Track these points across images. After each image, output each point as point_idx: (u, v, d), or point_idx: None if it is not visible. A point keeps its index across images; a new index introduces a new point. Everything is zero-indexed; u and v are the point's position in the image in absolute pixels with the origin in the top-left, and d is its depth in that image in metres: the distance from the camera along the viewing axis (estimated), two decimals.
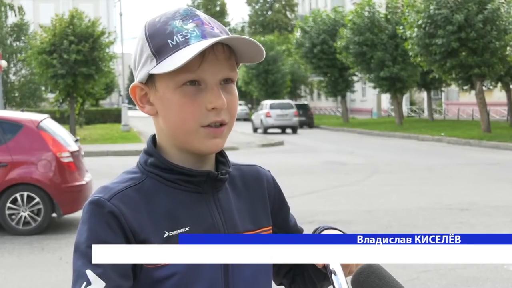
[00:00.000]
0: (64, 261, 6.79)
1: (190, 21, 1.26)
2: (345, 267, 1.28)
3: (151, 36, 1.26)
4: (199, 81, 1.25)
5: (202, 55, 1.21)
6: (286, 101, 37.57)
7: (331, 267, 1.26)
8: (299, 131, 35.00)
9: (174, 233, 1.25)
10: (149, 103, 1.31)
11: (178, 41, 1.23)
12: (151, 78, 1.28)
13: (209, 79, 1.25)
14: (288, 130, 33.91)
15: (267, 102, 34.78)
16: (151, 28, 1.27)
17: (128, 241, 1.22)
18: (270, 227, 1.41)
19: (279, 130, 34.08)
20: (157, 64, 1.24)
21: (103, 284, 1.16)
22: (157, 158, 1.30)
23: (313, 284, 1.46)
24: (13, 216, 8.33)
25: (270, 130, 33.83)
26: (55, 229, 8.61)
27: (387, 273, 1.18)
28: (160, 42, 1.24)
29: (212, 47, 1.22)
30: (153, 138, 1.35)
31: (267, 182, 1.45)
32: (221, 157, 1.37)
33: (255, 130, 35.05)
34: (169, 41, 1.24)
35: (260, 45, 1.26)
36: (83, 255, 1.19)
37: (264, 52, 1.27)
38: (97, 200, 1.23)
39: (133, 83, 1.32)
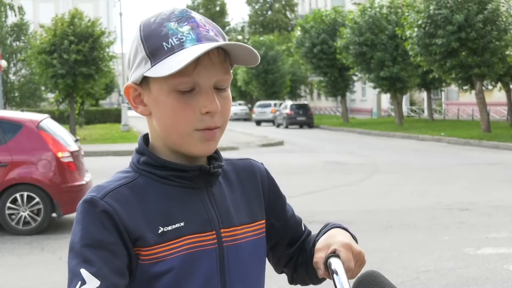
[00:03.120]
0: (64, 261, 6.79)
1: (186, 23, 1.25)
2: (348, 270, 1.28)
3: (146, 37, 1.26)
4: (193, 85, 1.25)
5: (197, 59, 1.21)
6: (238, 103, 49.76)
7: (332, 267, 1.26)
8: (300, 130, 35.64)
9: (169, 228, 1.25)
10: (142, 103, 1.31)
11: (173, 44, 1.23)
12: (145, 79, 1.28)
13: (203, 83, 1.25)
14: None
15: None
16: (146, 29, 1.27)
17: (122, 239, 1.22)
18: (264, 221, 1.41)
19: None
20: (151, 66, 1.24)
21: (98, 282, 1.16)
22: (149, 156, 1.31)
23: (316, 275, 1.45)
24: (13, 216, 8.34)
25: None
26: (55, 229, 8.61)
27: (388, 281, 1.18)
28: (154, 44, 1.24)
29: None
30: (144, 137, 1.36)
31: (260, 174, 1.45)
32: (213, 153, 1.37)
33: None
34: (164, 43, 1.23)
35: (255, 51, 1.26)
36: (77, 255, 1.20)
37: (259, 58, 1.28)
38: (90, 199, 1.23)
39: (126, 83, 1.33)
